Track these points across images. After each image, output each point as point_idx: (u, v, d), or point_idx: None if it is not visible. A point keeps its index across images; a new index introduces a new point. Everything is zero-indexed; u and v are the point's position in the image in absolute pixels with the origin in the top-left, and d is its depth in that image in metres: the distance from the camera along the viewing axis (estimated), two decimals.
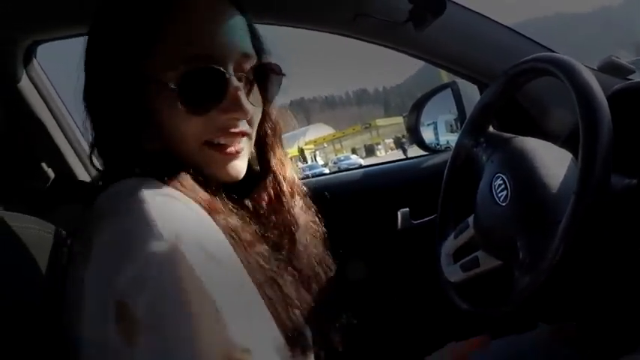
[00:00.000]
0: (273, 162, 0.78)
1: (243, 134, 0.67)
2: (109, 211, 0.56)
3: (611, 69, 1.12)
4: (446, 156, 1.15)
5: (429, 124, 1.50)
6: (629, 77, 1.11)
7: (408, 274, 1.36)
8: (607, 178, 0.66)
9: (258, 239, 0.64)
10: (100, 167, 0.70)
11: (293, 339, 0.61)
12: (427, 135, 1.50)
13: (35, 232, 0.70)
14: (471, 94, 1.34)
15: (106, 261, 0.52)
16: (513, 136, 0.89)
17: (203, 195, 0.61)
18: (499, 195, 0.82)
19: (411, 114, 1.47)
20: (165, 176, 0.59)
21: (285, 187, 0.78)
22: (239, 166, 0.68)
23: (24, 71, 1.19)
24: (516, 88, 0.93)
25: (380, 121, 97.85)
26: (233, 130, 0.65)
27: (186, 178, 0.61)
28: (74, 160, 1.31)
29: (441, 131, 1.50)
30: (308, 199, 0.81)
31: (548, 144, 0.85)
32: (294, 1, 1.15)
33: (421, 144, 1.50)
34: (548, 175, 0.77)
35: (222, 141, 0.65)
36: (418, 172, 1.48)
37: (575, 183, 0.66)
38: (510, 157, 0.85)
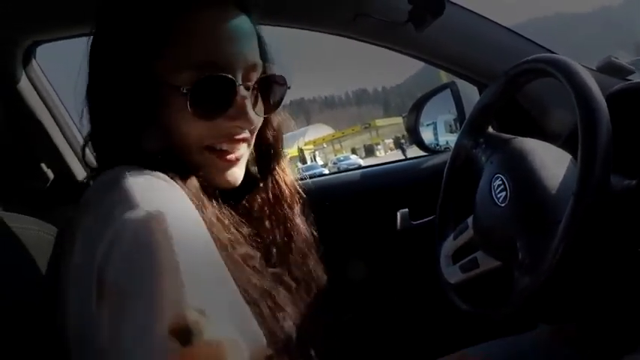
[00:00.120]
0: (275, 169, 0.79)
1: (244, 140, 0.68)
2: (94, 199, 0.57)
3: (610, 69, 1.12)
4: (445, 157, 1.15)
5: (428, 125, 1.51)
6: (629, 78, 1.11)
7: (408, 275, 1.36)
8: (606, 178, 0.66)
9: (252, 251, 0.65)
10: (91, 162, 0.71)
11: (281, 347, 0.62)
12: (426, 135, 1.50)
13: (34, 233, 0.71)
14: (471, 94, 1.34)
15: (89, 237, 0.52)
16: (513, 136, 0.89)
17: (199, 194, 0.62)
18: (498, 196, 0.82)
19: (411, 114, 1.47)
20: (162, 172, 0.60)
21: (287, 195, 0.79)
22: (237, 173, 0.69)
23: (23, 72, 1.19)
24: (516, 89, 0.93)
25: (379, 122, 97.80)
26: (236, 137, 0.67)
27: (189, 178, 0.62)
28: (73, 161, 1.31)
29: (440, 131, 1.50)
30: (306, 207, 0.82)
31: (548, 145, 0.85)
32: (294, 1, 1.15)
33: (420, 144, 1.50)
34: (547, 175, 0.78)
35: (224, 147, 0.67)
36: (417, 172, 1.48)
37: (574, 183, 0.66)
38: (510, 157, 0.85)
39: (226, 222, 0.63)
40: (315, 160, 65.17)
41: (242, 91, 0.65)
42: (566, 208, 0.67)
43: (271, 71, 0.72)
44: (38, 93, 1.24)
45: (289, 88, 0.73)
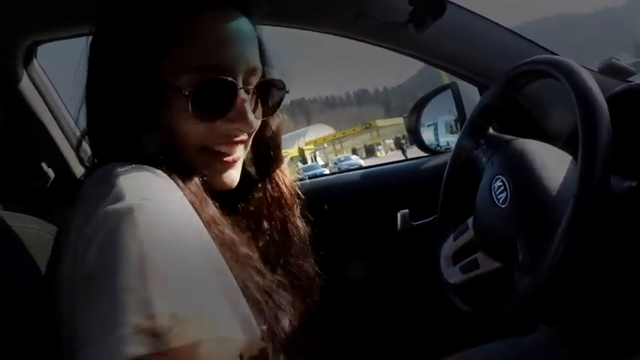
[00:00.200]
0: (274, 171, 0.79)
1: (242, 143, 0.69)
2: (85, 195, 0.57)
3: (611, 71, 1.12)
4: (446, 157, 1.15)
5: (429, 125, 1.51)
6: (630, 79, 1.11)
7: (408, 276, 1.36)
8: (607, 179, 0.66)
9: (252, 251, 0.65)
10: (85, 159, 0.71)
11: (279, 346, 0.62)
12: (427, 136, 1.50)
13: (35, 232, 0.71)
14: (471, 95, 1.34)
15: (78, 234, 0.52)
16: (513, 137, 0.89)
17: (200, 192, 0.62)
18: (499, 197, 0.82)
19: (412, 115, 1.47)
20: (160, 169, 0.60)
21: (286, 196, 0.79)
22: (234, 175, 0.70)
23: (24, 71, 1.19)
24: (516, 90, 0.93)
25: (380, 122, 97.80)
26: (235, 139, 0.67)
27: (189, 177, 0.62)
28: (74, 160, 1.31)
29: (441, 132, 1.50)
30: (304, 209, 0.82)
31: (548, 146, 0.85)
32: (295, 2, 1.15)
33: (421, 145, 1.50)
34: (547, 176, 0.77)
35: (222, 149, 0.67)
36: (418, 173, 1.48)
37: (574, 185, 0.66)
38: (510, 158, 0.85)
39: (227, 221, 0.63)
40: (315, 160, 65.17)
41: (242, 94, 0.65)
42: (567, 209, 0.67)
43: (270, 75, 0.73)
44: (39, 92, 1.24)
45: (288, 92, 0.73)
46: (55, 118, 1.28)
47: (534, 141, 0.86)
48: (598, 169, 0.64)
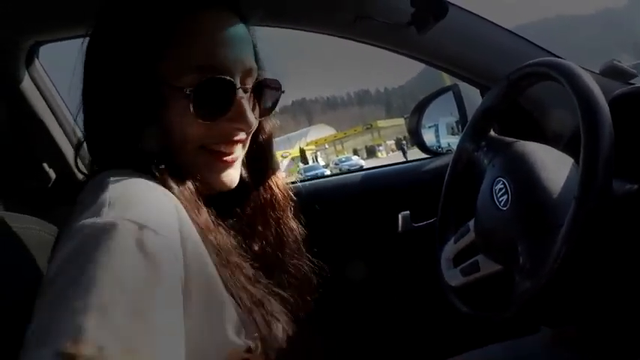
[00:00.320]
0: (267, 172, 0.80)
1: (241, 142, 0.70)
2: (81, 202, 0.56)
3: (612, 73, 1.11)
4: (447, 159, 1.15)
5: (430, 127, 1.51)
6: (631, 81, 1.11)
7: (409, 277, 1.36)
8: (608, 182, 0.66)
9: (245, 259, 0.65)
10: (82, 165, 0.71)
11: (273, 354, 0.62)
12: (428, 137, 1.50)
13: (36, 233, 0.71)
14: (473, 97, 1.34)
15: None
16: (514, 140, 0.89)
17: (193, 199, 0.62)
18: (500, 199, 0.82)
19: (413, 116, 1.47)
20: (158, 174, 0.60)
21: (279, 198, 0.80)
22: (233, 175, 0.70)
23: (26, 72, 1.19)
24: (518, 93, 0.93)
25: (381, 123, 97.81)
26: (234, 138, 0.68)
27: (185, 182, 0.62)
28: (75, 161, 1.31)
29: (442, 133, 1.50)
30: (298, 209, 0.83)
31: (550, 148, 0.85)
32: (296, 3, 1.15)
33: (422, 146, 1.50)
34: (549, 179, 0.77)
35: (221, 148, 0.67)
36: (419, 175, 1.48)
37: (576, 187, 0.66)
38: (511, 161, 0.85)
39: (221, 229, 0.64)
40: (316, 160, 65.16)
41: (241, 93, 0.66)
42: (568, 212, 0.67)
43: (263, 77, 0.73)
44: (41, 93, 1.24)
45: (283, 92, 0.74)
46: (57, 119, 1.28)
47: (536, 143, 0.86)
48: (600, 171, 0.64)
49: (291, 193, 0.82)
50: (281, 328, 0.65)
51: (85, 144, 0.70)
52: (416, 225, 1.21)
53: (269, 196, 0.79)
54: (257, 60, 0.72)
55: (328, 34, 1.27)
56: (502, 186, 0.82)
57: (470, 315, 0.91)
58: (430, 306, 1.22)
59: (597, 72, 1.13)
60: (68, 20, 1.11)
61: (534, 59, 0.85)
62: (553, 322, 1.00)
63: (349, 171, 1.65)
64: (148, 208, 0.52)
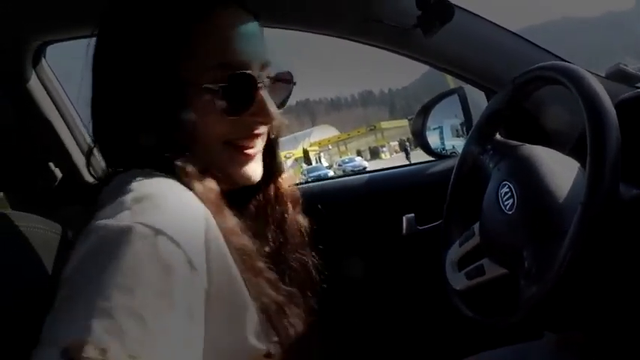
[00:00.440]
0: (274, 169, 0.79)
1: (261, 136, 0.71)
2: (104, 202, 0.56)
3: (619, 77, 1.11)
4: (452, 162, 1.15)
5: (434, 129, 1.50)
6: (637, 85, 1.10)
7: (413, 280, 1.36)
8: (615, 187, 0.66)
9: (265, 263, 0.65)
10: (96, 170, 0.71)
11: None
12: (433, 139, 1.50)
13: (42, 232, 0.71)
14: (478, 100, 1.34)
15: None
16: (520, 143, 0.89)
17: (218, 201, 0.62)
18: (505, 203, 0.82)
19: (418, 118, 1.47)
20: (183, 175, 0.60)
21: (285, 193, 0.80)
22: (256, 169, 0.71)
23: (33, 71, 1.20)
24: (524, 97, 0.92)
25: (385, 124, 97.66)
26: (255, 131, 0.69)
27: (209, 182, 0.62)
28: (81, 161, 1.31)
29: (446, 136, 1.50)
30: (304, 204, 0.83)
31: (556, 152, 0.85)
32: (302, 5, 1.15)
33: (426, 148, 1.50)
34: (555, 183, 0.77)
35: (245, 143, 0.69)
36: (424, 177, 1.48)
37: (582, 192, 0.66)
38: (517, 164, 0.85)
39: (246, 232, 0.64)
40: (319, 161, 65.08)
41: (261, 87, 0.67)
42: (574, 216, 0.66)
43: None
44: (48, 93, 1.25)
45: (295, 83, 0.75)
46: (63, 119, 1.28)
47: (542, 147, 0.86)
48: (606, 176, 0.64)
49: (296, 188, 0.82)
50: (297, 332, 0.65)
51: (93, 148, 0.70)
52: (420, 228, 1.21)
53: (274, 191, 0.79)
54: None
55: (336, 37, 1.27)
56: (508, 190, 0.82)
57: (474, 319, 0.91)
58: (434, 310, 1.21)
59: (603, 75, 1.13)
60: (75, 20, 1.11)
61: (540, 63, 0.84)
62: (558, 327, 1.00)
63: (352, 172, 1.65)
64: (169, 213, 0.52)
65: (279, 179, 0.80)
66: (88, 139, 1.31)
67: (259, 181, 0.78)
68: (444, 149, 1.51)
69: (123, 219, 0.49)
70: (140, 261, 0.46)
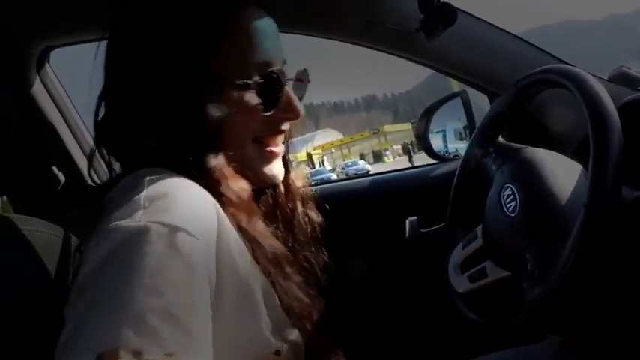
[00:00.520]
0: (285, 165, 0.79)
1: (284, 132, 0.72)
2: (115, 200, 0.56)
3: (621, 80, 1.11)
4: (455, 165, 1.15)
5: (437, 132, 1.50)
6: None
7: (416, 283, 1.36)
8: (617, 189, 0.66)
9: (291, 262, 0.66)
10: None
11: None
12: (436, 143, 1.50)
13: (44, 236, 0.71)
14: (481, 103, 1.34)
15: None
16: (523, 146, 0.89)
17: (248, 209, 0.62)
18: (508, 206, 0.82)
19: (421, 121, 1.47)
20: (216, 174, 0.61)
21: (294, 189, 0.79)
22: (280, 168, 0.72)
23: (37, 76, 1.20)
24: (527, 100, 0.92)
25: (388, 128, 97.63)
26: (282, 128, 0.70)
27: (239, 183, 0.63)
28: (85, 164, 1.31)
29: (449, 139, 1.50)
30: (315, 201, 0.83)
31: (558, 155, 0.85)
32: (306, 9, 1.16)
33: (429, 151, 1.50)
34: (557, 186, 0.77)
35: (270, 140, 0.69)
36: (427, 180, 1.48)
37: (585, 194, 0.66)
38: (520, 167, 0.84)
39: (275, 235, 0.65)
40: (323, 165, 65.12)
41: (286, 84, 0.69)
42: (577, 219, 0.66)
43: None
44: (51, 97, 1.25)
45: (309, 81, 0.76)
46: (67, 123, 1.29)
47: (544, 150, 0.86)
48: (609, 178, 0.64)
49: (307, 183, 0.82)
50: (321, 335, 0.67)
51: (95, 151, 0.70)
52: (423, 231, 1.21)
53: (284, 189, 0.79)
54: None
55: (339, 40, 1.28)
56: (510, 192, 0.82)
57: (477, 321, 0.91)
58: (437, 312, 1.21)
59: (606, 78, 1.13)
60: (80, 24, 1.12)
61: (543, 66, 0.85)
62: (560, 328, 0.99)
63: (356, 175, 1.65)
64: (183, 210, 0.52)
65: (289, 176, 0.79)
66: (92, 143, 1.32)
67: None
68: (447, 152, 1.51)
69: (139, 219, 0.48)
70: (163, 260, 0.46)
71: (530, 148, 0.88)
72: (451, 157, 1.49)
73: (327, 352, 0.73)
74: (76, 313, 0.44)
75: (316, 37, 1.27)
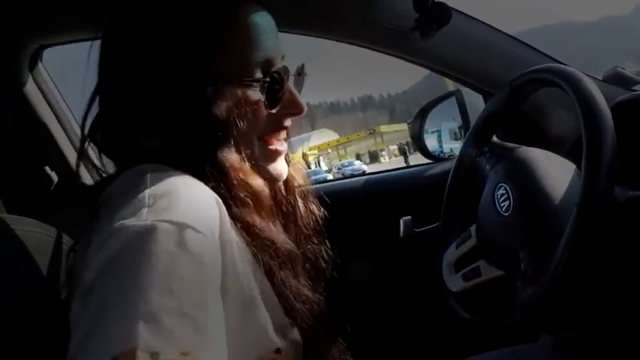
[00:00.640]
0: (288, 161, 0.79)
1: (286, 129, 0.72)
2: (115, 195, 0.56)
3: (616, 80, 1.11)
4: (449, 165, 1.15)
5: (432, 132, 1.51)
6: (634, 88, 1.10)
7: (410, 282, 1.36)
8: (610, 189, 0.66)
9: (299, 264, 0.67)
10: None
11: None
12: (431, 142, 1.50)
13: (37, 236, 0.71)
14: (476, 102, 1.34)
15: (95, 240, 0.50)
16: (517, 146, 0.89)
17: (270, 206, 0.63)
18: (502, 205, 0.82)
19: (416, 121, 1.48)
20: (234, 172, 0.61)
21: (294, 184, 0.79)
22: (284, 165, 0.72)
23: (30, 75, 1.20)
24: (521, 99, 0.92)
25: (384, 128, 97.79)
26: (285, 124, 0.70)
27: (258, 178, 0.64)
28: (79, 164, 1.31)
29: (444, 139, 1.50)
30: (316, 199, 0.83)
31: (552, 154, 0.85)
32: (301, 9, 1.16)
33: (424, 151, 1.50)
34: (551, 185, 0.77)
35: (274, 138, 0.69)
36: (421, 180, 1.48)
37: (578, 194, 0.66)
38: (513, 166, 0.85)
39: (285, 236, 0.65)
40: (319, 165, 65.13)
41: (289, 80, 0.69)
42: (570, 218, 0.66)
43: None
44: (44, 96, 1.25)
45: (306, 74, 0.76)
46: (60, 122, 1.28)
47: (538, 149, 0.86)
48: (602, 178, 0.64)
49: (306, 176, 0.82)
50: (323, 334, 0.67)
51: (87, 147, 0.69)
52: (417, 230, 1.21)
53: (284, 184, 0.78)
54: None
55: (334, 40, 1.28)
56: (504, 191, 0.82)
57: (470, 321, 0.91)
58: (431, 311, 1.21)
59: (600, 79, 1.13)
60: (73, 24, 1.11)
61: (537, 65, 0.85)
62: (554, 328, 1.00)
63: (352, 175, 1.65)
64: (188, 206, 0.51)
65: (289, 171, 0.78)
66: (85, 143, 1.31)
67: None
68: (442, 152, 1.51)
69: (145, 218, 0.48)
70: (173, 259, 0.46)
71: (523, 147, 0.88)
72: (446, 156, 1.49)
73: (327, 350, 0.73)
74: (88, 314, 0.44)
75: (314, 36, 1.26)
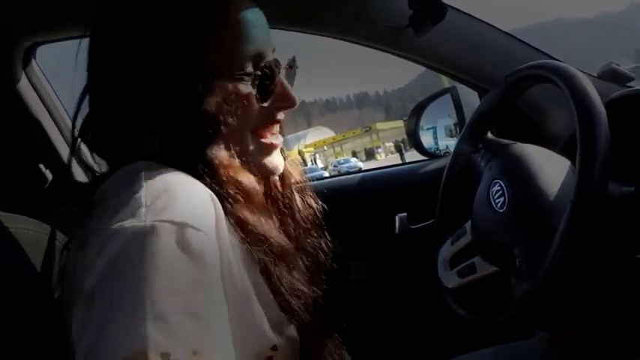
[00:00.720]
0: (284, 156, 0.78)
1: (279, 123, 0.71)
2: (109, 193, 0.56)
3: (610, 76, 1.12)
4: (444, 161, 1.15)
5: (428, 129, 1.51)
6: (629, 85, 1.11)
7: (405, 279, 1.36)
8: (604, 185, 0.66)
9: (294, 259, 0.66)
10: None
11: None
12: (426, 139, 1.50)
13: (31, 234, 0.70)
14: (471, 99, 1.34)
15: (93, 240, 0.50)
16: (511, 142, 0.89)
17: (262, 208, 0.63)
18: (496, 201, 0.82)
19: (411, 118, 1.48)
20: (224, 169, 0.61)
21: (289, 178, 0.79)
22: (280, 159, 0.72)
23: (23, 72, 1.19)
24: (516, 95, 0.93)
25: (380, 125, 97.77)
26: (278, 117, 0.70)
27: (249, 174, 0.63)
28: (72, 162, 1.30)
29: (440, 136, 1.51)
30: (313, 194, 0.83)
31: (547, 151, 0.85)
32: (295, 5, 1.15)
33: (420, 148, 1.50)
34: (545, 181, 0.77)
35: (268, 132, 0.69)
36: (416, 177, 1.48)
37: (572, 190, 0.66)
38: (508, 163, 0.85)
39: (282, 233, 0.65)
40: (315, 162, 65.10)
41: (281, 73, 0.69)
42: (564, 214, 0.67)
43: None
44: (38, 94, 1.24)
45: (298, 67, 0.75)
46: (54, 120, 1.27)
47: (532, 146, 0.86)
48: (596, 174, 0.64)
49: (301, 170, 0.82)
50: (320, 329, 0.68)
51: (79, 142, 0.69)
52: (413, 227, 1.21)
53: (279, 178, 0.78)
54: None
55: (328, 36, 1.27)
56: (499, 188, 0.82)
57: (466, 317, 0.91)
58: (426, 308, 1.21)
59: (595, 75, 1.13)
60: (66, 21, 1.10)
61: (532, 62, 0.85)
62: (549, 325, 1.00)
63: (348, 173, 1.65)
64: (186, 204, 0.51)
65: (285, 165, 0.78)
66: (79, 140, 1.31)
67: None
68: (437, 149, 1.52)
69: (144, 218, 0.47)
70: (176, 259, 0.46)
71: (518, 143, 0.88)
72: (441, 153, 1.50)
73: (324, 345, 0.73)
74: (94, 320, 0.43)
75: (309, 33, 1.26)
